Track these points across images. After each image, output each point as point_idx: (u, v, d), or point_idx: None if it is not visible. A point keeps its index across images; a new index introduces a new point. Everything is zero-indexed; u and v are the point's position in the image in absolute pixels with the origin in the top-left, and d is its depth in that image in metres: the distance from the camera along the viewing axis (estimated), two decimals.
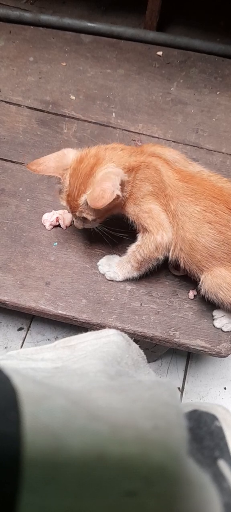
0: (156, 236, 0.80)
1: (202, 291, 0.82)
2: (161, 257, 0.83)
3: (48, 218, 0.97)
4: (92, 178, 0.75)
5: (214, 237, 0.76)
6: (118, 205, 0.80)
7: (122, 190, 0.76)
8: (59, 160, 0.80)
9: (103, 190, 0.70)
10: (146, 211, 0.80)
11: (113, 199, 0.71)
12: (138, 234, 0.85)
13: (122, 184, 0.75)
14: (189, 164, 0.84)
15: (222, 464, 0.46)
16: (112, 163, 0.76)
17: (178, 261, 0.83)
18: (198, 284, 0.83)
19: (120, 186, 0.72)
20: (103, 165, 0.75)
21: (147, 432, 0.33)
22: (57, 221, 0.97)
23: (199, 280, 0.82)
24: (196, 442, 0.49)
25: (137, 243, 0.85)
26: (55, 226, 0.97)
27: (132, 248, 0.86)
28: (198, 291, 0.84)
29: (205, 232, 0.76)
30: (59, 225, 0.97)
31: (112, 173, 0.73)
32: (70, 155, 0.80)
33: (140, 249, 0.83)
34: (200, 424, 0.52)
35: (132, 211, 0.82)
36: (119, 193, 0.72)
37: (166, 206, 0.79)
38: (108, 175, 0.73)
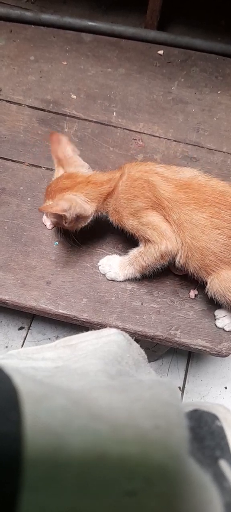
0: (160, 246, 0.80)
1: (210, 293, 0.82)
2: (166, 263, 0.84)
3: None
4: (60, 195, 0.82)
5: (224, 241, 0.77)
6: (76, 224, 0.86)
7: (78, 218, 0.83)
8: (67, 159, 0.88)
9: (56, 203, 0.79)
10: (145, 223, 0.81)
11: (60, 216, 0.81)
12: (140, 243, 0.86)
13: (82, 215, 0.83)
14: (178, 172, 0.83)
15: (223, 464, 0.46)
16: (81, 194, 0.83)
17: (186, 268, 0.83)
18: (205, 287, 0.83)
19: (74, 214, 0.80)
20: (74, 191, 0.83)
21: (148, 432, 0.33)
22: None
23: (205, 283, 0.82)
24: (197, 442, 0.48)
25: (140, 250, 0.85)
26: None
27: (134, 253, 0.87)
28: (205, 293, 0.84)
29: (214, 238, 0.77)
30: None
31: (73, 199, 0.80)
32: (69, 167, 0.88)
33: (144, 257, 0.84)
34: (201, 423, 0.52)
35: (129, 225, 0.83)
36: (67, 215, 0.79)
37: (167, 216, 0.80)
38: (69, 198, 0.80)
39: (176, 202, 0.79)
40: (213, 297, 0.82)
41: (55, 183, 0.86)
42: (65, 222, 0.83)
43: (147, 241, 0.82)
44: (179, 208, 0.79)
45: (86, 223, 0.87)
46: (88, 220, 0.86)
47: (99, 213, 0.88)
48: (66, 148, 0.89)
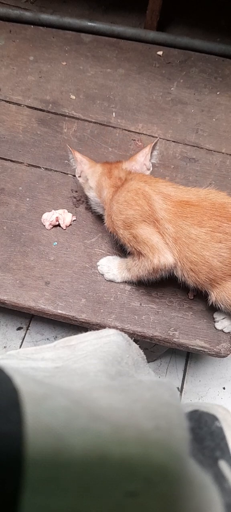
0: (152, 259, 0.79)
1: (218, 305, 0.81)
2: (159, 276, 0.83)
3: (48, 218, 0.97)
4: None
5: (227, 255, 0.75)
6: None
7: (85, 181, 0.94)
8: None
9: (81, 157, 0.94)
10: (135, 235, 0.79)
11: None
12: (133, 256, 0.85)
13: (87, 179, 0.92)
14: (184, 191, 0.81)
15: (223, 464, 0.46)
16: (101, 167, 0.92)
17: (188, 282, 0.81)
18: (208, 298, 0.82)
19: (79, 170, 0.94)
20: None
21: (148, 433, 0.33)
22: (57, 220, 0.96)
23: (208, 294, 0.82)
24: (197, 443, 0.48)
25: (136, 261, 0.84)
26: (55, 226, 0.97)
27: (131, 261, 0.86)
28: (210, 305, 0.83)
29: (217, 252, 0.75)
30: (59, 225, 0.97)
31: (80, 159, 0.93)
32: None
33: (139, 268, 0.83)
34: (201, 424, 0.52)
35: (121, 234, 0.82)
36: (77, 169, 0.93)
37: (161, 228, 0.78)
38: (87, 160, 0.94)
39: (173, 216, 0.77)
40: (221, 308, 0.81)
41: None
42: (76, 175, 0.95)
43: (140, 254, 0.81)
44: (175, 222, 0.77)
45: (93, 200, 0.93)
46: (92, 196, 0.92)
47: (100, 203, 0.92)
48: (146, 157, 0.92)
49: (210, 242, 0.75)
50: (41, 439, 0.28)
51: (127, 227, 0.80)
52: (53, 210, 0.98)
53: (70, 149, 0.92)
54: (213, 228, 0.75)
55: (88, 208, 0.99)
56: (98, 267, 0.92)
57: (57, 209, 0.98)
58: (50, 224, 0.96)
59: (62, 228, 0.97)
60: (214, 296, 0.80)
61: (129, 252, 0.86)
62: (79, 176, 0.94)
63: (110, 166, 0.90)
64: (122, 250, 0.94)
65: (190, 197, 0.79)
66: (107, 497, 0.29)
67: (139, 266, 0.83)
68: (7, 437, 0.27)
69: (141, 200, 0.78)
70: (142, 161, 0.91)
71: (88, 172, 0.92)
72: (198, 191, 0.80)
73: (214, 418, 0.52)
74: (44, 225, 0.97)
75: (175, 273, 0.82)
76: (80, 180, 0.94)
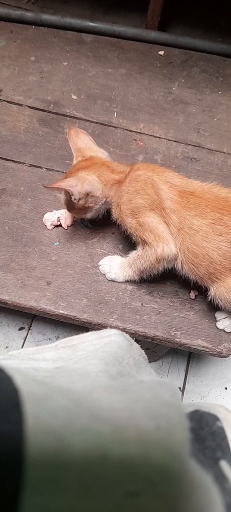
0: (157, 248, 0.80)
1: (216, 301, 0.81)
2: (161, 268, 0.83)
3: (50, 218, 0.97)
4: (74, 174, 0.86)
5: (227, 248, 0.75)
6: (86, 208, 0.88)
7: (87, 197, 0.85)
8: (88, 148, 0.91)
9: (63, 180, 0.84)
10: (142, 224, 0.80)
11: (70, 197, 0.84)
12: (137, 245, 0.86)
13: (90, 194, 0.85)
14: (189, 182, 0.83)
15: (224, 464, 0.46)
16: (93, 173, 0.85)
17: (188, 275, 0.82)
18: (207, 294, 0.82)
19: (83, 190, 0.83)
20: (87, 170, 0.85)
21: (149, 433, 0.33)
22: (58, 220, 0.97)
23: (208, 289, 0.82)
24: (198, 443, 0.48)
25: (138, 253, 0.85)
26: (56, 226, 0.97)
27: (133, 255, 0.86)
28: (209, 300, 0.83)
29: (217, 245, 0.76)
30: (60, 225, 0.97)
31: (81, 177, 0.84)
32: (89, 152, 0.91)
33: (141, 260, 0.83)
34: (202, 424, 0.52)
35: (128, 223, 0.83)
36: (74, 191, 0.82)
37: (167, 218, 0.79)
38: (81, 177, 0.84)
39: (178, 205, 0.78)
40: (219, 304, 0.81)
41: (73, 166, 0.89)
42: (76, 200, 0.84)
43: (144, 243, 0.82)
44: (179, 212, 0.78)
45: (96, 210, 0.89)
46: (98, 206, 0.88)
47: (106, 204, 0.89)
48: (85, 138, 0.92)
49: (211, 234, 0.76)
50: (41, 439, 0.28)
51: (135, 215, 0.81)
52: (54, 210, 0.98)
53: (51, 184, 0.85)
54: (214, 220, 0.76)
55: (86, 225, 0.98)
56: (100, 267, 0.92)
57: (58, 209, 0.98)
58: (51, 224, 0.96)
59: (63, 228, 0.97)
60: (213, 291, 0.80)
61: (134, 243, 0.86)
62: (80, 199, 0.85)
63: (102, 161, 0.88)
64: (123, 250, 0.94)
65: (195, 188, 0.80)
66: (108, 497, 0.29)
67: (142, 257, 0.83)
68: (7, 437, 0.27)
69: (149, 189, 0.79)
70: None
71: (87, 184, 0.84)
72: (202, 183, 0.82)
73: (215, 418, 0.52)
74: (45, 225, 0.97)
75: (175, 266, 0.82)
76: (81, 202, 0.85)
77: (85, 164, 0.86)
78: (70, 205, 0.88)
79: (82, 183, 0.82)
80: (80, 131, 0.93)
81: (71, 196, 0.83)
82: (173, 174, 0.83)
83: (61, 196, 0.89)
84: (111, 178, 0.85)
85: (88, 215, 0.90)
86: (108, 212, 0.90)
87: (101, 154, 0.91)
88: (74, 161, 0.91)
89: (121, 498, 0.29)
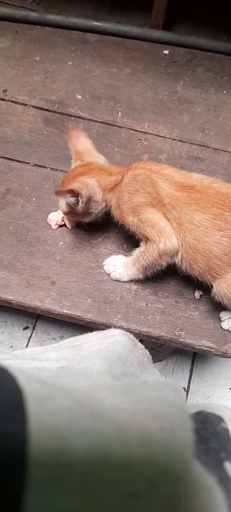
0: (159, 244, 0.80)
1: (217, 298, 0.81)
2: (165, 264, 0.83)
3: (54, 218, 0.97)
4: (74, 180, 0.86)
5: (228, 244, 0.75)
6: (86, 213, 0.88)
7: (89, 202, 0.86)
8: (86, 152, 0.92)
9: (71, 183, 0.84)
10: (144, 220, 0.81)
11: (72, 205, 0.84)
12: (141, 242, 0.86)
13: (91, 199, 0.85)
14: (187, 176, 0.83)
15: (228, 466, 0.45)
16: (93, 178, 0.86)
17: (189, 271, 0.82)
18: (211, 291, 0.82)
19: (88, 194, 0.84)
20: (86, 175, 0.86)
21: (152, 433, 0.33)
22: (63, 220, 0.97)
23: (211, 286, 0.82)
24: (202, 444, 0.48)
25: (141, 249, 0.85)
26: (61, 226, 0.97)
27: (137, 253, 0.87)
28: (211, 297, 0.83)
29: (217, 240, 0.76)
30: (65, 225, 0.97)
31: (85, 181, 0.84)
32: (88, 157, 0.92)
33: (144, 256, 0.84)
34: (206, 425, 0.51)
35: (130, 221, 0.83)
36: (82, 192, 0.82)
37: (168, 214, 0.80)
38: (83, 181, 0.84)
39: (177, 201, 0.78)
40: (221, 302, 0.81)
41: (71, 172, 0.90)
42: (79, 203, 0.84)
43: (147, 239, 0.82)
44: (179, 207, 0.78)
45: (95, 214, 0.90)
46: (97, 210, 0.89)
47: (106, 206, 0.89)
48: (86, 142, 0.93)
49: (211, 229, 0.76)
50: (44, 439, 0.28)
51: (136, 213, 0.82)
52: (59, 210, 0.98)
53: (61, 189, 0.85)
54: (215, 215, 0.76)
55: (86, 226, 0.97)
56: (104, 267, 0.92)
57: None
58: (56, 224, 0.97)
59: (68, 228, 0.97)
60: (215, 287, 0.80)
61: (138, 242, 0.87)
62: (84, 204, 0.85)
63: (100, 167, 0.89)
64: (127, 250, 0.94)
65: (194, 183, 0.80)
66: (110, 497, 0.29)
67: (145, 253, 0.83)
68: (11, 437, 0.27)
69: (149, 188, 0.80)
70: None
71: (90, 188, 0.84)
72: (202, 177, 0.82)
73: (219, 419, 0.52)
74: (50, 225, 0.97)
75: (176, 261, 0.83)
76: (84, 206, 0.85)
77: (83, 170, 0.87)
78: (69, 210, 0.88)
79: (86, 187, 0.83)
80: (81, 134, 0.94)
81: (79, 200, 0.84)
82: (171, 170, 0.83)
83: (60, 201, 0.89)
84: (109, 181, 0.86)
85: (87, 220, 0.92)
86: (107, 215, 0.91)
87: (100, 159, 0.92)
88: (73, 165, 0.92)
89: (124, 498, 0.29)
